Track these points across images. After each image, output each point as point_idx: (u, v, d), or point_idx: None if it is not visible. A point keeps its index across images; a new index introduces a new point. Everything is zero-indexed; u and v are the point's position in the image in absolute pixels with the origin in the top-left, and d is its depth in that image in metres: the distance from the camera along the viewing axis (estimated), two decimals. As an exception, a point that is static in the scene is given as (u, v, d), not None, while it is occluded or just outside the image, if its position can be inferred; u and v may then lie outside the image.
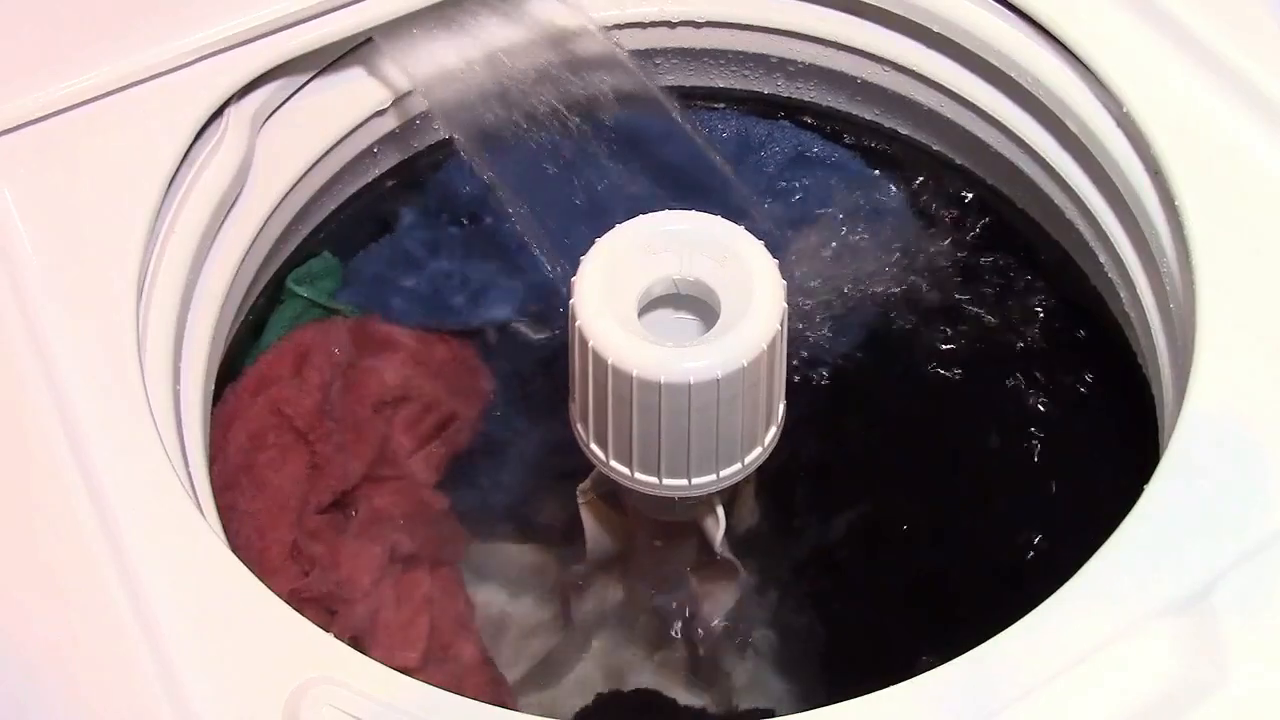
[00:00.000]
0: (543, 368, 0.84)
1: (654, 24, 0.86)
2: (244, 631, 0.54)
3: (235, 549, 0.69)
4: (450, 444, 0.82)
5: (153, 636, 0.53)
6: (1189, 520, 0.55)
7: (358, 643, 0.71)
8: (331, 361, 0.78)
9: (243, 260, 0.73)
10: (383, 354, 0.81)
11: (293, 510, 0.74)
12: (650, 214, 0.68)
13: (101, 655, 0.53)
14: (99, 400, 0.60)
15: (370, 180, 0.86)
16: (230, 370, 0.77)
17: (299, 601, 0.71)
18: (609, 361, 0.63)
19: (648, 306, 0.68)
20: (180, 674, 0.52)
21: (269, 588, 0.68)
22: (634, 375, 0.63)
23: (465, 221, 0.86)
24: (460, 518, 0.82)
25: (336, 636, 0.69)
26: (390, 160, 0.86)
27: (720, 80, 0.90)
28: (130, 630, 0.53)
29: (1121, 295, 0.74)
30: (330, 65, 0.79)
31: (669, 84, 0.90)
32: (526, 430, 0.85)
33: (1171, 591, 0.52)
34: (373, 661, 0.53)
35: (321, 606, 0.72)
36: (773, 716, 0.73)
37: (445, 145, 0.88)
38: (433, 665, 0.74)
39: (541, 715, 0.76)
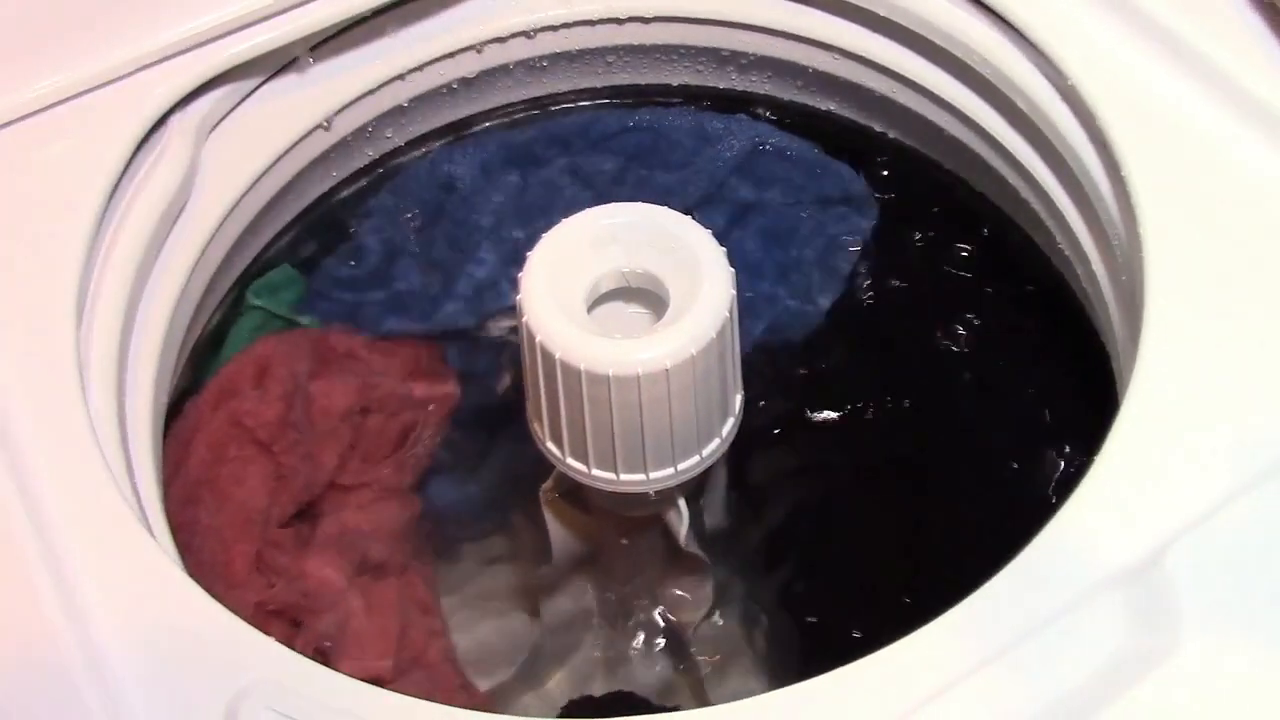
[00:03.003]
0: (507, 370, 0.83)
1: (602, 21, 0.85)
2: (183, 635, 0.53)
3: (198, 564, 0.69)
4: (416, 450, 0.82)
5: (87, 641, 0.52)
6: (1138, 489, 0.54)
7: (326, 654, 0.71)
8: (293, 372, 0.77)
9: (191, 273, 0.73)
10: (345, 363, 0.81)
11: (256, 522, 0.73)
12: (596, 207, 0.67)
13: (34, 663, 0.52)
14: (35, 412, 0.59)
15: (326, 189, 0.86)
16: (192, 384, 0.77)
17: (264, 614, 0.71)
18: (557, 356, 0.63)
19: (599, 300, 0.68)
20: (117, 679, 0.51)
21: (234, 600, 0.68)
22: (582, 369, 0.63)
23: (424, 226, 0.86)
24: (429, 524, 0.81)
25: (303, 648, 0.69)
26: (345, 168, 0.86)
27: (674, 77, 0.89)
28: (64, 636, 0.52)
29: (1078, 270, 0.74)
30: (279, 71, 0.78)
31: (622, 82, 0.89)
32: (494, 433, 0.84)
33: (1122, 560, 0.52)
34: (314, 664, 0.53)
35: (287, 619, 0.72)
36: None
37: (401, 151, 0.87)
38: (404, 675, 0.73)
39: (509, 718, 0.75)
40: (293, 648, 0.68)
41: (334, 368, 0.80)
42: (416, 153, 0.87)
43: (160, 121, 0.71)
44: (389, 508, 0.78)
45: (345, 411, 0.79)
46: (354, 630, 0.73)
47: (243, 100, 0.76)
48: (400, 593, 0.75)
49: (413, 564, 0.78)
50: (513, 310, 0.82)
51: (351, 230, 0.86)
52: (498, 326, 0.85)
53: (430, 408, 0.82)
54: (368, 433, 0.80)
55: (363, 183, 0.87)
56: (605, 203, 0.67)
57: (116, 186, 0.68)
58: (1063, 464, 0.71)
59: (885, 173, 0.86)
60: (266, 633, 0.67)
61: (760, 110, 0.89)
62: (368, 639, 0.73)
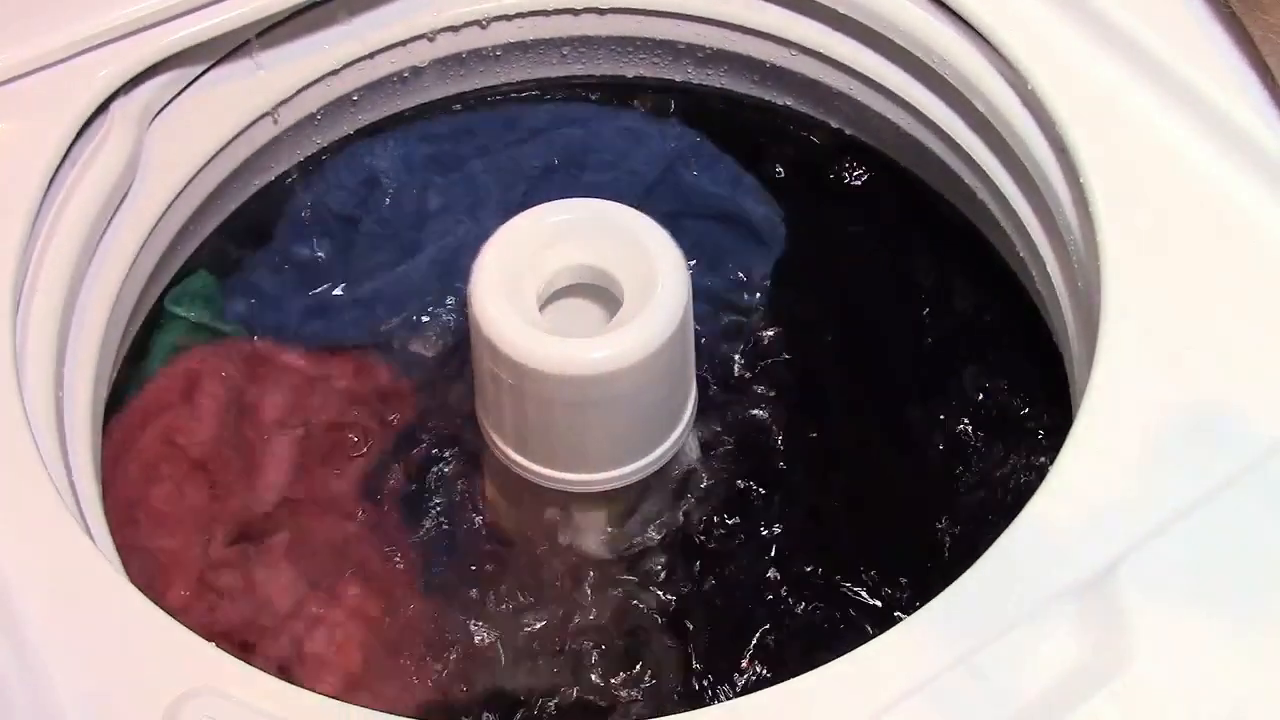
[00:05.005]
0: (449, 374, 0.81)
1: (558, 11, 0.84)
2: (122, 641, 0.52)
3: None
4: (363, 461, 0.79)
5: (20, 644, 0.51)
6: (1091, 502, 0.54)
7: (285, 671, 0.69)
8: (225, 386, 0.75)
9: (134, 262, 0.71)
10: (281, 375, 0.78)
11: (195, 544, 0.71)
12: (550, 202, 0.66)
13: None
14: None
15: (274, 177, 0.84)
16: (114, 400, 0.74)
17: (210, 637, 0.69)
18: (508, 355, 0.62)
19: (553, 297, 0.67)
20: (54, 686, 0.50)
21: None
22: (534, 369, 0.62)
23: (360, 227, 0.84)
24: (381, 532, 0.79)
25: (262, 667, 0.67)
26: (293, 157, 0.84)
27: (629, 69, 0.88)
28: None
29: (1033, 274, 0.73)
30: (225, 57, 0.76)
31: (578, 73, 0.88)
32: (439, 437, 0.83)
33: (1075, 573, 0.52)
34: (254, 670, 0.52)
35: (235, 640, 0.70)
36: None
37: (350, 140, 0.86)
38: (368, 682, 0.71)
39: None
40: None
41: (269, 380, 0.78)
42: (363, 142, 0.85)
43: (102, 108, 0.69)
44: (338, 520, 0.76)
45: (284, 425, 0.76)
46: (311, 645, 0.70)
47: (187, 86, 0.74)
48: (356, 603, 0.73)
49: (367, 573, 0.76)
50: (452, 313, 0.80)
51: (278, 233, 0.83)
52: (437, 330, 0.83)
53: (371, 417, 0.80)
54: (311, 445, 0.77)
55: (309, 171, 0.85)
56: (528, 199, 0.66)
57: (56, 173, 0.66)
58: (1016, 474, 0.72)
59: (841, 169, 0.85)
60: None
61: (715, 104, 0.88)
62: (326, 653, 0.70)
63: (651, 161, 0.83)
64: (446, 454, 0.78)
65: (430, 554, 0.80)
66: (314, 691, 0.56)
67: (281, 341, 0.79)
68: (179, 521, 0.71)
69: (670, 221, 0.74)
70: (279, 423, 0.76)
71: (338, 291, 0.82)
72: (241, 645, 0.69)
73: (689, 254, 0.80)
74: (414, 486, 0.78)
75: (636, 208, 0.77)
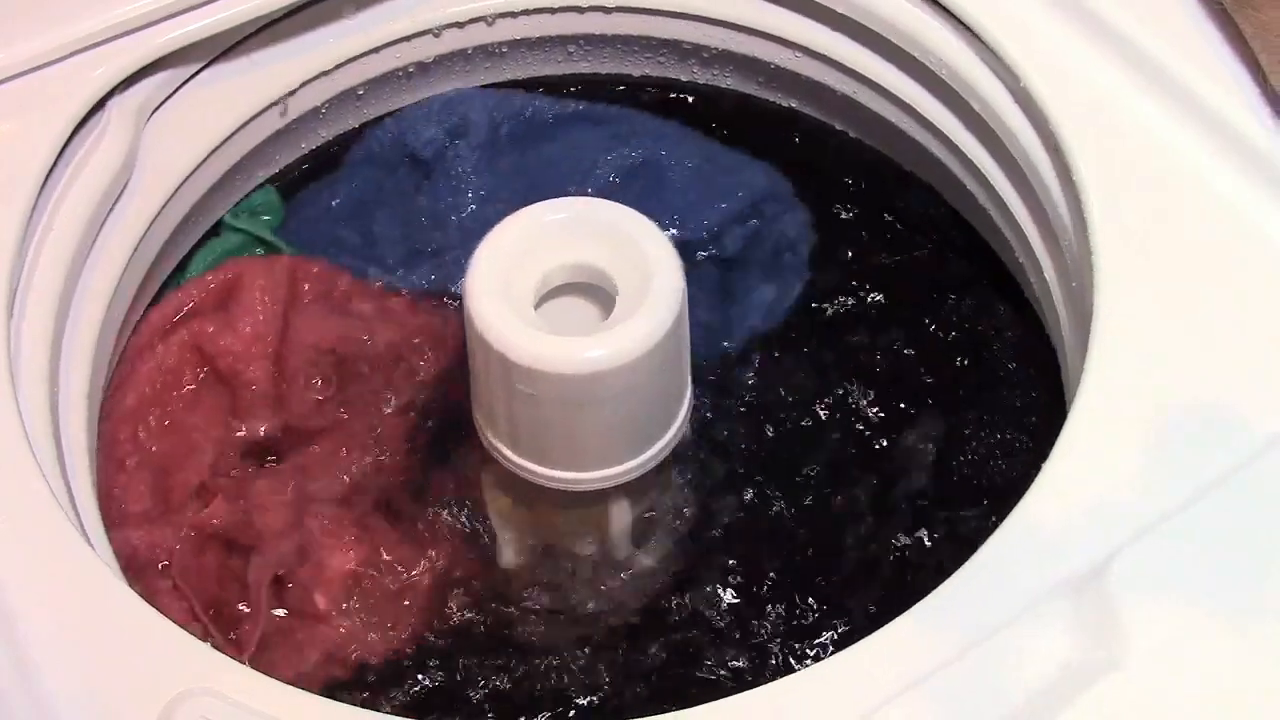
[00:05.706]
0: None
1: (563, 9, 0.84)
2: (117, 642, 0.52)
3: (133, 484, 0.69)
4: (392, 404, 0.78)
5: (14, 645, 0.51)
6: (1083, 500, 0.54)
7: (279, 581, 0.69)
8: (268, 300, 0.74)
9: (129, 261, 0.71)
10: (323, 301, 0.77)
11: (205, 451, 0.71)
12: (545, 201, 0.66)
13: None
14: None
15: (272, 174, 0.84)
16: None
17: (201, 539, 0.69)
18: (502, 353, 0.62)
19: (548, 295, 0.67)
20: (49, 688, 0.50)
21: (169, 525, 0.67)
22: (527, 367, 0.61)
23: (434, 178, 0.82)
24: (396, 479, 0.78)
25: (258, 574, 0.68)
26: (294, 152, 0.84)
27: (635, 68, 0.88)
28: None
29: (1028, 272, 0.73)
30: (223, 54, 0.76)
31: (582, 71, 0.88)
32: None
33: (1067, 571, 0.52)
34: (250, 670, 0.52)
35: (224, 542, 0.69)
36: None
37: (349, 136, 0.85)
38: (358, 607, 0.70)
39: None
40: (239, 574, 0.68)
41: (311, 303, 0.77)
42: (458, 93, 0.85)
43: (99, 105, 0.69)
44: (353, 456, 0.75)
45: (322, 353, 0.76)
46: (303, 563, 0.70)
47: (185, 83, 0.75)
48: (359, 526, 0.72)
49: (373, 511, 0.75)
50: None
51: (350, 160, 0.83)
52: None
53: (403, 361, 0.78)
54: (345, 379, 0.76)
55: (310, 168, 0.85)
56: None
57: (52, 171, 0.66)
58: (1009, 471, 0.71)
59: (845, 173, 0.85)
60: (201, 557, 0.67)
61: (720, 105, 0.87)
62: (317, 572, 0.70)
63: (733, 202, 0.82)
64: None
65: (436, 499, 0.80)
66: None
67: (337, 270, 0.79)
68: (191, 427, 0.71)
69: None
70: (318, 350, 0.75)
71: (396, 233, 0.81)
72: (232, 549, 0.70)
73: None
74: (430, 438, 0.77)
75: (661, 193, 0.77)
